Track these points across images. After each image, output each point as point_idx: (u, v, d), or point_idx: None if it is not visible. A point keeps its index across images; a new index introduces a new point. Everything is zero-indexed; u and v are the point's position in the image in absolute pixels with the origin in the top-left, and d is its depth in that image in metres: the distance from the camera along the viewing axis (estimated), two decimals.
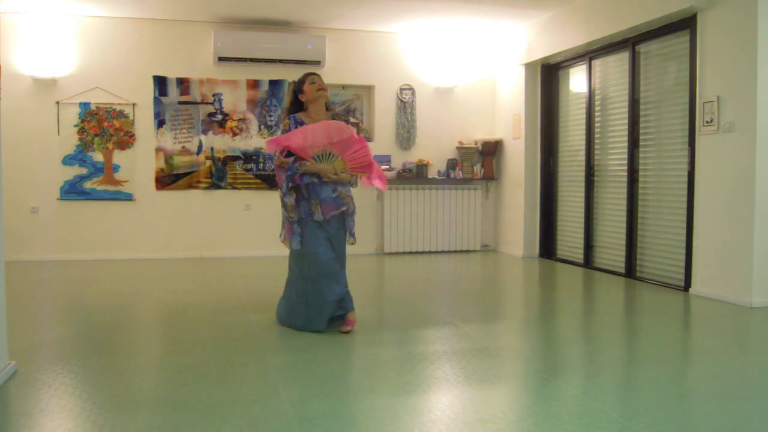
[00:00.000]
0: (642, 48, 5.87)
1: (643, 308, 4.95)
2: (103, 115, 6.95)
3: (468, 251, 7.85)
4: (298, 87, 3.97)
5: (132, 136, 7.03)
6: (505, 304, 5.28)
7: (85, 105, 6.91)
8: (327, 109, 4.01)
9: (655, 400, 2.75)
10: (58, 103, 6.85)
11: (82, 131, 6.91)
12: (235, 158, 7.28)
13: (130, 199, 7.07)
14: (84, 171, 6.94)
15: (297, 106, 3.99)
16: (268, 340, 3.73)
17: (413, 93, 7.73)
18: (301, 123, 3.87)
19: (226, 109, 7.24)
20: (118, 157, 7.02)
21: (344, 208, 3.93)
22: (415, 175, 7.65)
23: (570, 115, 7.06)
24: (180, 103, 7.13)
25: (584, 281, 6.02)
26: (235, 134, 7.26)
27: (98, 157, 6.97)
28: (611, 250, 6.34)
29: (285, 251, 7.32)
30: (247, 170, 7.32)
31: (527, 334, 4.06)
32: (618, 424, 2.49)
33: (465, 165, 7.82)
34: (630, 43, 5.91)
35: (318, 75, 3.98)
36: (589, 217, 6.65)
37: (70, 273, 6.23)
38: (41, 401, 2.69)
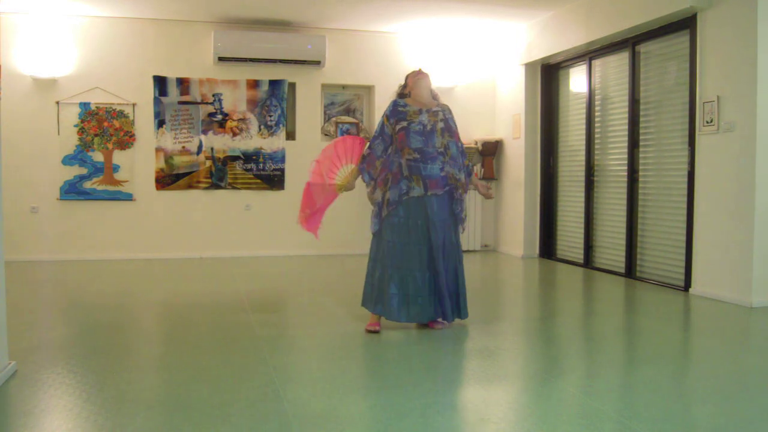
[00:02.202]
0: (642, 48, 5.87)
1: (643, 308, 4.95)
2: (103, 115, 6.95)
3: (468, 251, 7.84)
4: (404, 82, 4.11)
5: (132, 136, 7.03)
6: (505, 304, 5.28)
7: (85, 105, 6.91)
8: (433, 97, 4.12)
9: (655, 400, 2.75)
10: (58, 103, 6.85)
11: (82, 131, 6.91)
12: (235, 158, 7.28)
13: (130, 199, 7.07)
14: (84, 171, 6.93)
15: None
16: (268, 340, 3.73)
17: None
18: (404, 106, 3.97)
19: (226, 109, 7.24)
20: (118, 157, 7.02)
21: (447, 188, 3.87)
22: None
23: (570, 115, 7.05)
24: (180, 103, 7.13)
25: (584, 281, 6.02)
26: (235, 134, 7.26)
27: (98, 157, 6.97)
28: (611, 250, 6.34)
29: (284, 251, 7.40)
30: (247, 170, 7.32)
31: (527, 334, 4.06)
32: (618, 424, 2.49)
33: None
34: (630, 43, 5.91)
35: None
36: (589, 217, 6.65)
37: (70, 273, 6.23)
38: (41, 401, 2.69)
